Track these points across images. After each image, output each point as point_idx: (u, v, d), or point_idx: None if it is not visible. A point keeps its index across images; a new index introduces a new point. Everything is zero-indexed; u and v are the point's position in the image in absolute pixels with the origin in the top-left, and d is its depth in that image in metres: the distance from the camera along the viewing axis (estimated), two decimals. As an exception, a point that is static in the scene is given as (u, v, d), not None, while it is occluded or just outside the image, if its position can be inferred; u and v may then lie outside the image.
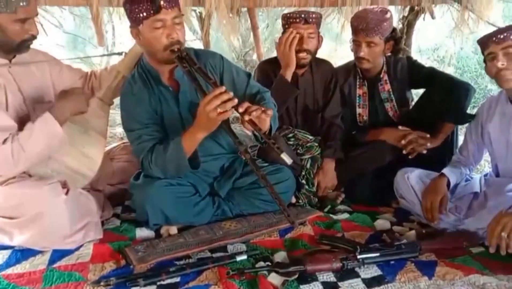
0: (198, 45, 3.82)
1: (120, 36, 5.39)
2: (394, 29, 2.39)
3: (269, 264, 1.69)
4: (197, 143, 1.83)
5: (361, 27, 2.28)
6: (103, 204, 2.14)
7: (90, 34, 5.23)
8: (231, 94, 1.66)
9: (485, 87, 4.81)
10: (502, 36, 1.77)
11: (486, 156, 2.26)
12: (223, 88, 1.66)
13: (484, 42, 1.84)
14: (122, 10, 2.37)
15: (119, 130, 3.66)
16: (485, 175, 2.16)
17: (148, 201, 1.90)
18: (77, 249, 1.83)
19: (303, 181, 2.34)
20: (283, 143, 2.26)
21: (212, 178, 2.14)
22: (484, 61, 1.89)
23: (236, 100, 1.65)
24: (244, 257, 1.74)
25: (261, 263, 1.71)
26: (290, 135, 2.41)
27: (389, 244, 1.79)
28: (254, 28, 4.09)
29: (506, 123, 1.94)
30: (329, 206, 2.32)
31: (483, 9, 3.23)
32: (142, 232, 1.99)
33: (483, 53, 1.89)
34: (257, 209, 2.12)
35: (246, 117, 1.68)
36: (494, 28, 2.73)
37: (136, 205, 2.01)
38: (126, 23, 1.92)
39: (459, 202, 2.03)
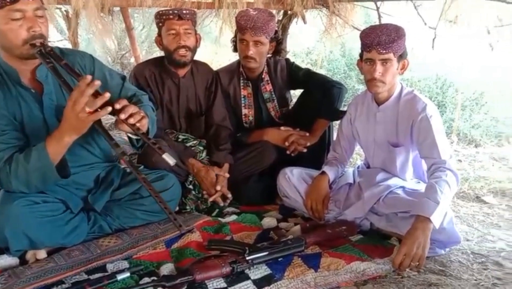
0: (66, 46, 3.47)
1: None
2: (276, 31, 2.44)
3: (155, 279, 1.57)
4: (65, 148, 1.61)
5: (249, 26, 2.28)
6: None
7: None
8: (108, 95, 1.48)
9: (352, 87, 5.25)
10: (385, 50, 1.84)
11: (357, 149, 2.43)
12: (89, 78, 1.47)
13: (367, 45, 1.90)
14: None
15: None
16: (358, 167, 2.31)
17: (6, 224, 1.62)
18: None
19: (190, 186, 2.26)
20: (165, 144, 2.15)
21: (86, 191, 1.91)
22: (360, 56, 1.99)
23: (107, 95, 1.48)
24: (127, 274, 1.59)
25: (146, 279, 1.58)
26: (174, 139, 2.31)
27: (277, 241, 1.80)
28: (128, 29, 3.90)
29: (372, 121, 2.09)
30: (217, 210, 2.28)
31: (348, 15, 3.51)
32: (2, 261, 1.71)
33: (362, 50, 1.96)
34: (140, 221, 1.96)
35: (123, 116, 1.53)
36: (358, 32, 2.97)
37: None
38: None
39: (337, 196, 2.14)
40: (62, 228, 1.73)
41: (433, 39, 3.41)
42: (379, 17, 3.46)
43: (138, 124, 1.57)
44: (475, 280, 1.62)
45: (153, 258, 1.76)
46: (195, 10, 2.50)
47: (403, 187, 2.02)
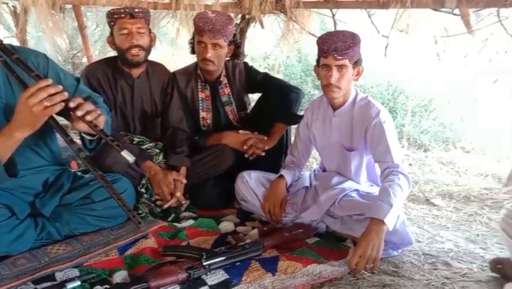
0: (14, 44, 3.30)
1: None
2: (234, 34, 2.43)
3: (108, 287, 1.51)
4: (16, 144, 1.52)
5: (208, 28, 2.25)
6: None
7: None
8: (60, 87, 1.42)
9: (308, 92, 5.34)
10: (341, 57, 1.88)
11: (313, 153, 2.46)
12: (49, 81, 1.41)
13: (324, 51, 1.92)
14: None
15: None
16: (314, 171, 2.35)
17: None
18: None
19: (143, 190, 2.19)
20: (124, 140, 2.08)
21: (33, 196, 1.81)
22: (317, 61, 2.02)
23: (66, 94, 1.42)
24: (77, 283, 1.52)
25: (98, 288, 1.52)
26: (128, 142, 2.25)
27: (234, 246, 1.79)
28: (81, 27, 3.76)
29: (328, 125, 2.13)
30: (173, 215, 2.23)
31: (305, 21, 3.56)
32: None
33: (319, 56, 1.98)
34: (91, 227, 1.88)
35: (79, 113, 1.47)
36: (314, 38, 3.02)
37: None
38: None
39: (295, 199, 2.16)
40: (7, 235, 1.63)
41: (386, 47, 3.53)
42: (335, 24, 3.55)
43: (95, 121, 1.51)
44: (426, 280, 1.68)
45: (106, 266, 1.70)
46: (149, 9, 2.44)
47: (357, 190, 2.07)
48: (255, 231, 2.01)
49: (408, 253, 1.91)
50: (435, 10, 2.92)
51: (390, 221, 1.72)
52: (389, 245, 1.81)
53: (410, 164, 3.55)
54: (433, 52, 4.43)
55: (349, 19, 3.66)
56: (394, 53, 3.82)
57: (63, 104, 1.43)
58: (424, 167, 3.64)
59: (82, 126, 1.56)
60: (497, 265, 1.72)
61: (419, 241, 2.05)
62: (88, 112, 1.49)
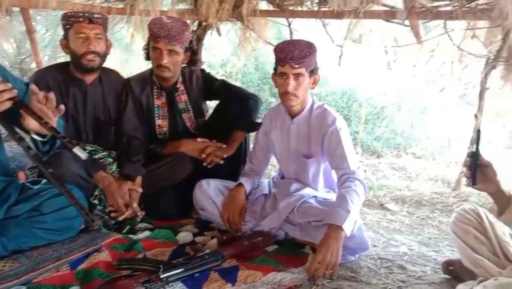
0: (-48, 47, 3.11)
1: None
2: (191, 41, 2.40)
3: (58, 304, 1.43)
4: None
5: (163, 34, 2.21)
6: None
7: None
8: (9, 84, 1.38)
9: (266, 100, 5.38)
10: (298, 65, 1.90)
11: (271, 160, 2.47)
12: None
13: (281, 59, 1.93)
14: None
15: None
16: (273, 178, 2.35)
17: None
18: None
19: (96, 201, 2.11)
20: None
21: (-24, 209, 1.69)
22: (275, 69, 2.03)
23: (15, 91, 1.38)
24: (24, 302, 1.43)
25: (48, 306, 1.44)
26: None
27: (193, 257, 1.75)
28: (30, 32, 3.59)
29: (286, 133, 2.14)
30: (128, 226, 2.15)
31: (262, 29, 3.58)
32: None
33: (276, 64, 1.99)
34: (40, 241, 1.78)
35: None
36: (273, 46, 3.04)
37: None
38: None
39: (254, 207, 2.15)
40: None
41: (340, 57, 3.62)
42: (291, 33, 3.60)
43: (46, 119, 1.45)
44: (383, 284, 1.72)
45: (56, 282, 1.61)
46: (106, 15, 2.38)
47: (315, 197, 2.09)
48: (214, 240, 1.98)
49: (365, 257, 1.95)
50: (387, 21, 3.03)
51: (348, 227, 1.75)
52: (346, 250, 1.83)
53: (365, 170, 3.64)
54: (384, 61, 4.59)
55: (304, 29, 3.72)
56: (348, 62, 3.93)
57: (11, 102, 1.39)
58: (378, 173, 3.75)
59: (33, 124, 1.50)
60: (449, 266, 1.79)
61: (375, 246, 2.10)
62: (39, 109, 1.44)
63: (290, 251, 1.96)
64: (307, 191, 2.10)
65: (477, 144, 1.43)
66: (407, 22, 2.84)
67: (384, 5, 2.92)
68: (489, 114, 2.98)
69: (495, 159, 1.47)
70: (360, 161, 3.87)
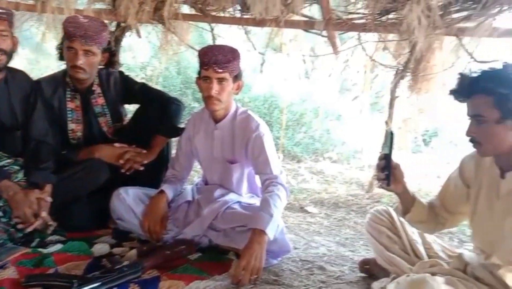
0: None
1: None
2: (109, 42, 2.28)
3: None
4: None
5: (79, 34, 2.07)
6: None
7: None
8: None
9: (188, 105, 5.31)
10: (221, 70, 1.88)
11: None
12: None
13: (205, 63, 1.91)
14: None
15: None
16: (196, 184, 2.31)
17: None
18: None
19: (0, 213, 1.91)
20: None
21: None
22: (199, 73, 1.99)
23: None
24: None
25: None
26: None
27: (110, 269, 1.66)
28: None
29: (209, 138, 2.12)
30: (37, 240, 1.98)
31: (184, 33, 3.53)
32: None
33: (200, 68, 1.96)
34: None
35: None
36: (195, 51, 3.01)
37: None
38: None
39: (176, 214, 2.10)
40: None
41: (261, 64, 3.69)
42: (213, 38, 3.59)
43: None
44: (304, 286, 1.76)
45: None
46: (12, 10, 2.18)
47: (239, 202, 2.09)
48: (134, 251, 1.90)
49: (287, 260, 1.99)
50: (306, 31, 3.15)
51: (271, 231, 1.77)
52: (269, 254, 1.85)
53: (287, 175, 3.74)
54: (303, 70, 4.76)
55: (227, 35, 3.74)
56: (270, 69, 4.02)
57: None
58: (298, 177, 3.88)
59: None
60: (365, 265, 1.89)
61: (296, 248, 2.15)
62: None
63: (214, 258, 1.94)
64: (231, 196, 2.10)
65: (391, 146, 1.51)
66: (324, 32, 2.97)
67: (304, 16, 3.02)
68: (398, 121, 3.22)
69: (403, 162, 1.57)
70: (282, 166, 3.97)
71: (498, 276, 1.37)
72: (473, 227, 1.56)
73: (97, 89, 2.33)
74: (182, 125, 2.35)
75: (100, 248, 1.97)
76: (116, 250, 1.97)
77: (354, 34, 3.06)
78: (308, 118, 5.37)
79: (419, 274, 1.37)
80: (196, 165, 2.41)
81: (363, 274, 1.88)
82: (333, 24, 2.84)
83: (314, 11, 3.13)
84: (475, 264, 1.45)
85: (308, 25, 3.00)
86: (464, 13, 2.46)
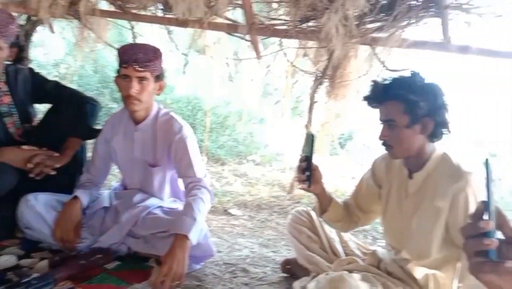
0: None
1: None
2: (17, 36, 2.09)
3: None
4: None
5: None
6: None
7: None
8: None
9: (106, 105, 5.06)
10: (142, 68, 1.81)
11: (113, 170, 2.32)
12: None
13: (125, 61, 1.83)
14: None
15: None
16: (114, 189, 2.20)
17: None
18: None
19: None
20: None
21: None
22: (118, 71, 1.90)
23: None
24: None
25: None
26: None
27: (17, 283, 1.52)
28: None
29: (129, 140, 2.03)
30: None
31: (101, 30, 3.36)
32: None
33: (120, 66, 1.87)
34: None
35: None
36: (114, 49, 2.88)
37: None
38: None
39: (92, 221, 1.98)
40: None
41: (185, 65, 3.64)
42: (134, 36, 3.47)
43: None
44: (227, 289, 1.76)
45: None
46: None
47: (161, 207, 2.03)
48: (44, 262, 1.76)
49: (210, 264, 1.97)
50: (229, 34, 3.16)
51: (194, 236, 1.73)
52: (192, 259, 1.82)
53: (211, 178, 3.72)
54: (227, 73, 4.79)
55: (148, 34, 3.63)
56: (194, 71, 3.97)
57: None
58: (222, 180, 3.87)
59: None
60: (286, 266, 1.93)
61: (219, 251, 2.14)
62: None
63: (133, 266, 1.86)
64: (152, 201, 2.03)
65: (311, 149, 1.56)
66: (248, 37, 3.00)
67: (227, 19, 3.03)
68: (317, 125, 3.36)
69: (321, 164, 1.63)
70: (206, 169, 3.94)
71: (407, 270, 1.48)
72: (385, 225, 1.67)
73: (3, 86, 2.13)
74: (98, 127, 2.23)
75: (6, 260, 1.79)
76: (24, 261, 1.81)
77: (276, 39, 3.13)
78: (232, 121, 5.41)
79: (338, 272, 1.43)
80: (114, 169, 2.30)
81: (285, 274, 1.93)
82: (256, 29, 2.88)
83: (237, 15, 3.15)
84: (387, 260, 1.55)
85: (232, 28, 3.01)
86: (378, 24, 2.63)
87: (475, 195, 1.36)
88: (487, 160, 0.70)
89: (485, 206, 0.69)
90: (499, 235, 0.69)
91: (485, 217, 0.69)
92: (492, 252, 0.67)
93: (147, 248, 1.92)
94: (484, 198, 0.70)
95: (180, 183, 2.08)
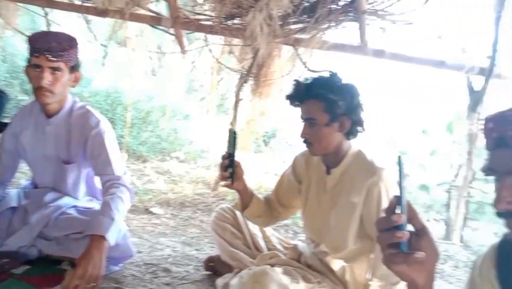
0: None
1: None
2: None
3: None
4: None
5: None
6: None
7: None
8: None
9: (15, 97, 4.66)
10: (55, 58, 1.67)
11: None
12: None
13: (36, 50, 1.68)
14: None
15: None
16: (23, 188, 2.03)
17: None
18: None
19: None
20: None
21: None
22: (29, 61, 1.74)
23: None
24: None
25: None
26: None
27: None
28: None
29: (41, 135, 1.88)
30: None
31: (11, 16, 3.09)
32: None
33: (31, 55, 1.71)
34: None
35: None
36: (25, 36, 2.66)
37: None
38: None
39: (-3, 222, 1.81)
40: None
41: (104, 57, 3.47)
42: (48, 24, 3.23)
43: None
44: (148, 289, 1.71)
45: None
46: None
47: (75, 206, 1.91)
48: None
49: (130, 265, 1.90)
50: (153, 27, 3.06)
51: (112, 236, 1.65)
52: (110, 261, 1.74)
53: (131, 175, 3.58)
54: (150, 67, 4.66)
55: (64, 22, 3.41)
56: (114, 64, 3.80)
57: None
58: (143, 178, 3.76)
59: None
60: (209, 263, 1.92)
61: (140, 252, 2.07)
62: None
63: (44, 270, 1.73)
64: (65, 200, 1.90)
65: (234, 146, 1.56)
66: (172, 30, 2.93)
67: (150, 10, 2.94)
68: (242, 122, 3.39)
69: (245, 161, 1.64)
70: (126, 166, 3.79)
71: (325, 263, 1.55)
72: (305, 219, 1.72)
73: None
74: (6, 120, 2.04)
75: None
76: None
77: (201, 35, 3.10)
78: (155, 117, 5.26)
79: (260, 266, 1.45)
80: (23, 166, 2.12)
81: (208, 272, 1.91)
82: (180, 23, 2.83)
83: (161, 7, 3.07)
84: (308, 253, 1.60)
85: (155, 20, 2.93)
86: (300, 25, 2.71)
87: (388, 189, 1.44)
88: (399, 157, 0.74)
89: (397, 200, 0.74)
90: (410, 227, 0.74)
91: (398, 211, 0.73)
92: (403, 244, 0.71)
93: (60, 251, 1.79)
94: (396, 193, 0.74)
95: (97, 181, 1.97)
